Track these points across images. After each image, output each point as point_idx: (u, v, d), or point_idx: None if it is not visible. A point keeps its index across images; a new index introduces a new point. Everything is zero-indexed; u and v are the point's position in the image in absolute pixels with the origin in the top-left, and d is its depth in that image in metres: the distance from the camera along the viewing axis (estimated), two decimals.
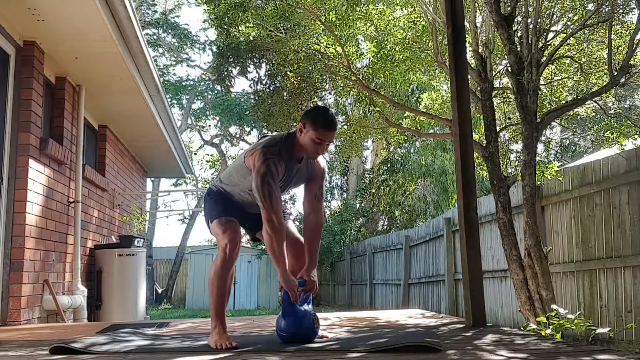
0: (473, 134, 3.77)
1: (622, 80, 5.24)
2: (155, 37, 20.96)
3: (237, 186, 2.95)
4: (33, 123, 4.98)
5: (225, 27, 7.41)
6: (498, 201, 5.14)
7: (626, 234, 5.18)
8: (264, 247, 15.61)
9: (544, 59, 5.34)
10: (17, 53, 4.96)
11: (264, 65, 13.04)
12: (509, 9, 5.12)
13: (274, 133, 2.97)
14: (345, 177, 19.87)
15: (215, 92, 20.68)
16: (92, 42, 5.24)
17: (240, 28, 7.49)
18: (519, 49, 5.18)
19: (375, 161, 18.82)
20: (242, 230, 3.03)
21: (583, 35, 6.21)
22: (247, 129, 21.12)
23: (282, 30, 7.47)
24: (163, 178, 19.77)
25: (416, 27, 7.02)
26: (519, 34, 5.36)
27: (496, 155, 5.23)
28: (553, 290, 4.98)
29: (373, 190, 17.97)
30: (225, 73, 13.54)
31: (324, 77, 7.83)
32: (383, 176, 17.70)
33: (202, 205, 3.20)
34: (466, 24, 5.11)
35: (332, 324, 4.03)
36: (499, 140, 5.49)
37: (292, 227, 3.09)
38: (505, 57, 5.58)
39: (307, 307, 2.86)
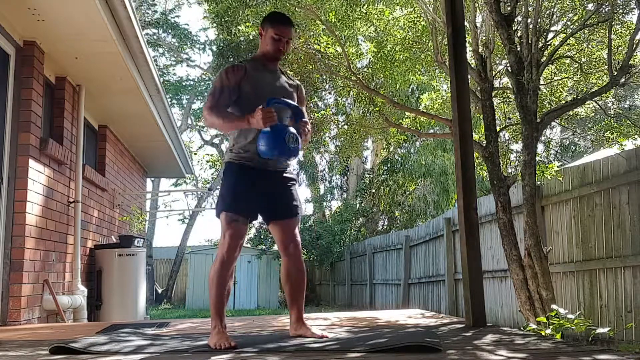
0: (473, 134, 3.77)
1: (622, 80, 5.24)
2: (155, 37, 20.97)
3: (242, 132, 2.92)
4: (33, 123, 4.98)
5: (226, 25, 7.41)
6: (498, 201, 5.14)
7: (626, 234, 5.18)
8: (264, 247, 15.67)
9: (544, 59, 5.34)
10: (17, 53, 4.96)
11: None
12: (509, 9, 5.12)
13: None
14: (345, 177, 19.87)
15: None
16: (92, 42, 5.24)
17: (240, 27, 7.49)
18: (519, 49, 5.18)
19: (375, 161, 18.82)
20: (248, 224, 3.01)
21: (583, 35, 6.21)
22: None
23: None
24: (163, 178, 19.78)
25: (416, 27, 7.02)
26: (519, 34, 5.36)
27: (496, 155, 5.23)
28: (553, 290, 4.98)
29: (373, 190, 17.97)
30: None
31: (324, 77, 7.82)
32: (383, 176, 17.70)
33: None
34: (466, 24, 5.12)
35: (332, 324, 4.03)
36: (499, 140, 5.49)
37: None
38: (505, 57, 5.58)
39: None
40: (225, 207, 2.87)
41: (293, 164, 3.11)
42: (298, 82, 3.17)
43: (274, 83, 3.00)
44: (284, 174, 3.00)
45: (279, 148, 2.78)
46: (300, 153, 2.96)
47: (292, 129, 2.81)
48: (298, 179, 3.19)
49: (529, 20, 5.36)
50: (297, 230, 3.03)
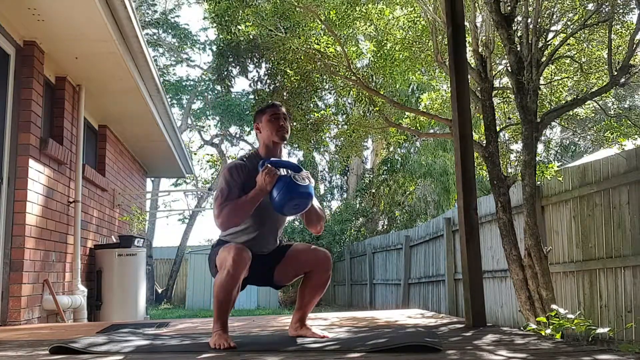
0: (473, 134, 3.77)
1: (622, 80, 5.24)
2: (155, 37, 20.97)
3: (239, 229, 2.89)
4: (33, 123, 4.98)
5: (226, 25, 7.41)
6: (498, 201, 5.14)
7: (626, 234, 5.18)
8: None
9: (544, 59, 5.34)
10: (17, 53, 4.96)
11: (263, 64, 13.03)
12: (509, 8, 5.12)
13: None
14: (345, 177, 19.87)
15: (215, 92, 20.68)
16: (92, 42, 5.24)
17: (240, 27, 7.49)
18: (519, 49, 5.18)
19: (375, 161, 18.82)
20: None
21: (583, 35, 6.21)
22: (247, 129, 21.12)
23: (282, 30, 7.47)
24: (163, 178, 19.77)
25: (416, 27, 7.02)
26: (519, 34, 5.36)
27: (496, 155, 5.23)
28: (553, 290, 4.98)
29: (373, 190, 17.97)
30: (225, 73, 13.54)
31: (324, 76, 7.82)
32: (383, 176, 17.70)
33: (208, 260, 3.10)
34: (466, 23, 5.11)
35: (332, 324, 4.03)
36: (499, 140, 5.49)
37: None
38: (505, 57, 5.58)
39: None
40: (228, 251, 2.73)
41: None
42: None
43: None
44: (274, 250, 2.99)
45: (291, 192, 2.74)
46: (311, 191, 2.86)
47: (294, 174, 2.81)
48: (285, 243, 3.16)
49: (529, 20, 5.35)
50: (307, 246, 3.00)
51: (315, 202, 2.95)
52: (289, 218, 3.07)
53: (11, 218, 4.78)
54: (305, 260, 2.94)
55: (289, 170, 2.84)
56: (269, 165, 2.77)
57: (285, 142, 2.97)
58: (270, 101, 3.09)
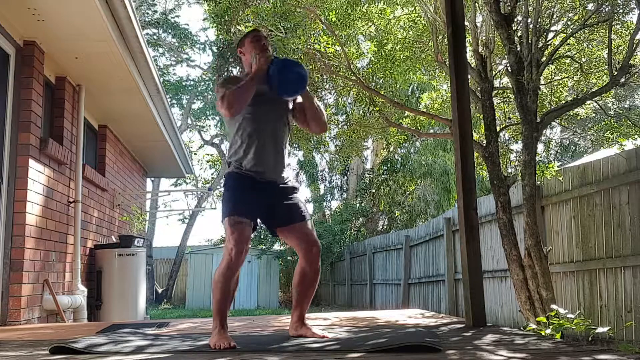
0: (473, 134, 3.77)
1: (622, 80, 5.24)
2: (155, 37, 20.96)
3: (240, 142, 2.96)
4: (33, 123, 4.98)
5: (226, 25, 7.40)
6: (498, 201, 5.14)
7: (626, 234, 5.18)
8: (264, 247, 15.62)
9: (544, 58, 5.34)
10: (17, 53, 4.96)
11: None
12: (509, 8, 5.12)
13: None
14: (345, 177, 19.87)
15: None
16: (92, 42, 5.24)
17: (240, 27, 7.49)
18: (519, 49, 5.18)
19: (375, 161, 18.82)
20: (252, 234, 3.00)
21: (583, 35, 6.21)
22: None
23: (282, 30, 7.47)
24: (163, 178, 19.76)
25: (416, 27, 7.02)
26: (519, 34, 5.36)
27: (496, 155, 5.23)
28: (553, 290, 4.98)
29: (373, 190, 17.97)
30: (225, 73, 13.54)
31: (324, 76, 7.82)
32: (383, 176, 17.71)
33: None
34: (466, 23, 5.11)
35: (332, 324, 4.03)
36: (499, 140, 5.49)
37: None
38: (505, 57, 5.58)
39: None
40: (229, 211, 2.87)
41: (290, 175, 3.11)
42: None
43: (268, 90, 3.00)
44: (282, 185, 3.01)
45: (286, 66, 2.96)
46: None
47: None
48: (299, 187, 3.18)
49: (529, 20, 5.36)
50: (310, 233, 3.00)
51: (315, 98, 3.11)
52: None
53: (11, 218, 4.78)
54: (297, 237, 2.98)
55: None
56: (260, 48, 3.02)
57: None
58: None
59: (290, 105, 3.12)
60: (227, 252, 2.84)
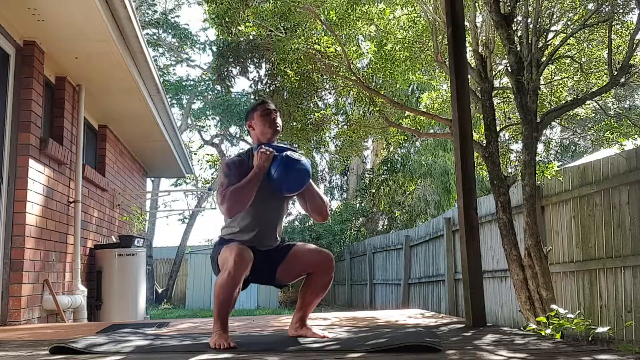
0: (473, 134, 3.77)
1: (622, 80, 5.24)
2: (155, 37, 20.96)
3: (238, 229, 2.91)
4: (33, 123, 4.98)
5: (226, 26, 7.40)
6: (498, 201, 5.14)
7: (626, 234, 5.18)
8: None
9: (544, 58, 5.34)
10: (17, 53, 4.96)
11: (264, 65, 13.04)
12: (509, 8, 5.12)
13: None
14: (345, 177, 19.87)
15: (215, 92, 20.67)
16: (92, 42, 5.24)
17: (240, 28, 7.49)
18: (519, 49, 5.18)
19: (375, 161, 18.82)
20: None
21: (583, 35, 6.21)
22: (247, 129, 21.07)
23: (282, 30, 7.47)
24: (163, 178, 19.76)
25: (416, 27, 7.02)
26: (519, 34, 5.36)
27: (496, 155, 5.23)
28: (553, 290, 4.98)
29: (373, 190, 17.97)
30: (225, 73, 13.56)
31: (324, 77, 7.82)
32: (383, 176, 17.70)
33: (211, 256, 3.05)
34: (466, 23, 5.11)
35: (332, 324, 4.03)
36: (499, 140, 5.49)
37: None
38: (505, 57, 5.58)
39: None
40: (230, 251, 2.73)
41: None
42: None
43: (268, 183, 2.92)
44: (276, 249, 2.99)
45: (288, 166, 2.82)
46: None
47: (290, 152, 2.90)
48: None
49: (529, 20, 5.36)
50: (315, 247, 2.99)
51: (316, 188, 3.01)
52: (289, 218, 3.11)
53: (11, 218, 4.78)
54: (308, 261, 2.94)
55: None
56: (263, 146, 2.87)
57: (278, 135, 3.02)
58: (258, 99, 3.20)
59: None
60: (228, 267, 2.69)
